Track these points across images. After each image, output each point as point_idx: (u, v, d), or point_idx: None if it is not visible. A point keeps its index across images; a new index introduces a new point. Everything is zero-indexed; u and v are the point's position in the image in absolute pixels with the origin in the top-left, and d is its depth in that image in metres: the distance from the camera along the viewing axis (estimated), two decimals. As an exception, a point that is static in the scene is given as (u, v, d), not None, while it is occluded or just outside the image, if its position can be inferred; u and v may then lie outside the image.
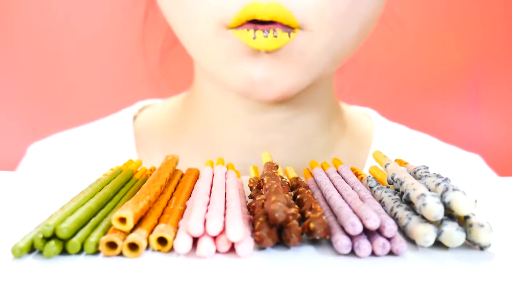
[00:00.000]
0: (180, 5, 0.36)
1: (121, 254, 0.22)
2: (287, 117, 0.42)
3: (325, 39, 0.35)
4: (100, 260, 0.21)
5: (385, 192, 0.27)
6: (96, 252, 0.22)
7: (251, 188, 0.30)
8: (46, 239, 0.21)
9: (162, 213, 0.25)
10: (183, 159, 0.39)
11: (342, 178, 0.30)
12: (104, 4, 0.63)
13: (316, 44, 0.35)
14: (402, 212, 0.24)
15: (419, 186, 0.24)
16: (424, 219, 0.23)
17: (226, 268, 0.21)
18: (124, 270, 0.20)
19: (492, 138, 0.65)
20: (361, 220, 0.22)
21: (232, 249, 0.22)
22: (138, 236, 0.22)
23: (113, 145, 0.48)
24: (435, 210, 0.22)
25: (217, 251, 0.22)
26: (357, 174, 0.32)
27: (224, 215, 0.23)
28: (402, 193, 0.26)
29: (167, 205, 0.27)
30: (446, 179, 0.24)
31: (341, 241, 0.22)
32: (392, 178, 0.28)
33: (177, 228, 0.23)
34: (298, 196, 0.27)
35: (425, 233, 0.22)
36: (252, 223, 0.24)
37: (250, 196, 0.29)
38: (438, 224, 0.23)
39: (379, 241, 0.22)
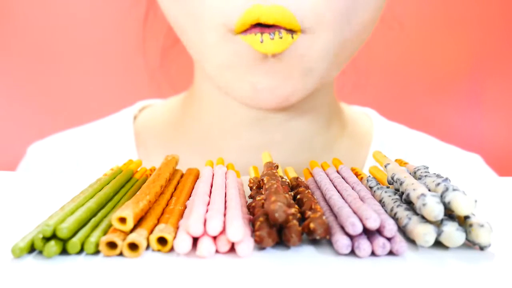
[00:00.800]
0: (184, 9, 0.36)
1: (121, 254, 0.22)
2: (287, 117, 0.42)
3: (325, 41, 0.35)
4: (100, 260, 0.21)
5: (385, 192, 0.27)
6: (96, 252, 0.22)
7: (251, 188, 0.30)
8: (46, 239, 0.21)
9: (162, 213, 0.25)
10: (183, 159, 0.39)
11: (342, 178, 0.30)
12: (104, 4, 0.63)
13: (316, 46, 0.35)
14: (402, 212, 0.24)
15: (419, 186, 0.24)
16: (424, 219, 0.23)
17: (226, 268, 0.21)
18: (124, 270, 0.20)
19: (492, 138, 0.65)
20: (361, 220, 0.22)
21: (232, 249, 0.22)
22: (138, 236, 0.22)
23: (113, 145, 0.48)
24: (435, 210, 0.22)
25: (217, 251, 0.22)
26: (357, 174, 0.32)
27: (224, 215, 0.23)
28: (402, 193, 0.26)
29: (167, 205, 0.27)
30: (446, 179, 0.24)
31: (341, 241, 0.22)
32: (392, 178, 0.28)
33: (177, 228, 0.23)
34: (298, 196, 0.27)
35: (425, 233, 0.22)
36: (252, 223, 0.24)
37: (250, 196, 0.29)
38: (438, 224, 0.23)
39: (379, 241, 0.22)
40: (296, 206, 0.25)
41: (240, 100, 0.38)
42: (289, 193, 0.27)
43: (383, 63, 0.64)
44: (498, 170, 0.52)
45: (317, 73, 0.37)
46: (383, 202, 0.26)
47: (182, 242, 0.21)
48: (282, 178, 0.29)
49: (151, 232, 0.23)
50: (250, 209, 0.26)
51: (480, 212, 0.27)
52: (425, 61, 0.65)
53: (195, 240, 0.22)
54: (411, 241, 0.23)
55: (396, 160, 0.32)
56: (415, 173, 0.28)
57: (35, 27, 0.62)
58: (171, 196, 0.29)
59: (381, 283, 0.20)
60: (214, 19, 0.35)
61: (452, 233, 0.22)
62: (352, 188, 0.28)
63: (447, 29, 0.64)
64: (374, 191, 0.28)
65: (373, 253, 0.22)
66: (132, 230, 0.23)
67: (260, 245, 0.22)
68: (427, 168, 0.28)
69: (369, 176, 0.30)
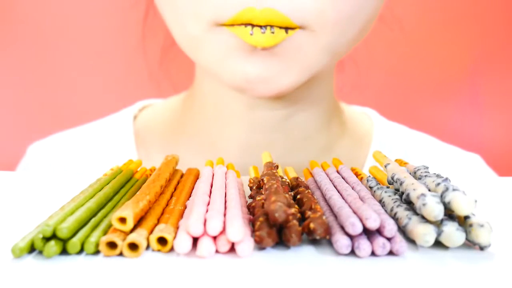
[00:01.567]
0: (172, 4, 0.36)
1: (121, 254, 0.22)
2: (286, 114, 0.42)
3: (327, 40, 0.35)
4: (100, 260, 0.21)
5: (385, 192, 0.27)
6: (96, 252, 0.22)
7: (251, 188, 0.30)
8: (46, 239, 0.21)
9: (162, 213, 0.25)
10: (183, 159, 0.39)
11: (342, 178, 0.30)
12: (104, 4, 0.63)
13: (316, 44, 0.35)
14: (402, 212, 0.24)
15: (419, 186, 0.24)
16: (424, 219, 0.23)
17: (226, 268, 0.21)
18: (124, 270, 0.20)
19: (492, 138, 0.65)
20: (361, 220, 0.22)
21: (232, 249, 0.22)
22: (138, 236, 0.22)
23: (113, 145, 0.48)
24: (435, 210, 0.22)
25: (217, 251, 0.22)
26: (357, 174, 0.32)
27: (224, 215, 0.23)
28: (402, 193, 0.26)
29: (167, 205, 0.27)
30: (446, 179, 0.24)
31: (341, 241, 0.22)
32: (392, 178, 0.28)
33: (177, 228, 0.23)
34: (298, 196, 0.27)
35: (425, 233, 0.22)
36: (252, 223, 0.24)
37: (250, 196, 0.29)
38: (438, 224, 0.23)
39: (379, 241, 0.22)
40: (296, 206, 0.25)
41: (233, 88, 0.38)
42: (289, 193, 0.27)
43: (383, 63, 0.64)
44: (498, 170, 0.52)
45: (315, 68, 0.37)
46: (383, 202, 0.26)
47: (182, 242, 0.21)
48: (282, 178, 0.29)
49: (151, 232, 0.23)
50: (250, 209, 0.26)
51: (480, 212, 0.27)
52: (425, 61, 0.65)
53: (195, 240, 0.22)
54: (411, 241, 0.23)
55: (396, 160, 0.32)
56: (415, 173, 0.28)
57: (35, 27, 0.62)
58: (171, 196, 0.29)
59: (381, 283, 0.20)
60: (201, 15, 0.34)
61: (452, 233, 0.22)
62: (352, 188, 0.28)
63: (447, 29, 0.64)
64: (374, 191, 0.28)
65: (373, 253, 0.22)
66: (132, 230, 0.23)
67: (260, 245, 0.22)
68: (427, 168, 0.28)
69: (369, 176, 0.30)
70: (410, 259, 0.22)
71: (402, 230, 0.24)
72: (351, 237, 0.22)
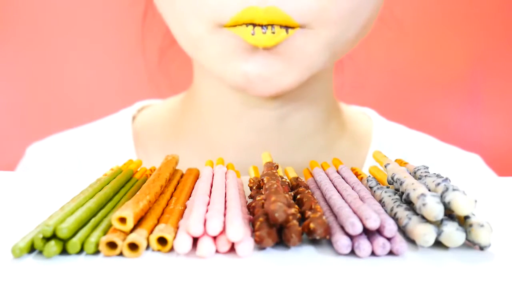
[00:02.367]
0: (172, 5, 0.36)
1: (121, 254, 0.22)
2: (285, 113, 0.42)
3: (328, 38, 0.35)
4: (100, 260, 0.21)
5: (385, 192, 0.27)
6: (96, 252, 0.22)
7: (251, 188, 0.30)
8: (46, 239, 0.21)
9: (162, 213, 0.25)
10: (183, 159, 0.39)
11: (342, 178, 0.30)
12: (103, 3, 0.63)
13: (317, 43, 0.35)
14: (402, 212, 0.24)
15: (419, 186, 0.24)
16: (424, 219, 0.23)
17: (226, 268, 0.21)
18: (124, 270, 0.20)
19: (492, 138, 0.65)
20: (361, 220, 0.22)
21: (232, 249, 0.22)
22: (138, 236, 0.22)
23: (111, 146, 0.48)
24: (435, 210, 0.22)
25: (217, 251, 0.22)
26: (357, 174, 0.32)
27: (224, 215, 0.23)
28: (402, 193, 0.26)
29: (167, 205, 0.27)
30: (446, 179, 0.24)
31: (341, 241, 0.22)
32: (392, 178, 0.28)
33: (177, 228, 0.23)
34: (298, 196, 0.27)
35: (425, 233, 0.22)
36: (252, 223, 0.24)
37: (250, 196, 0.29)
38: (438, 224, 0.23)
39: (379, 241, 0.22)
40: (296, 206, 0.25)
41: (235, 87, 0.38)
42: (289, 193, 0.27)
43: (382, 63, 0.64)
44: (498, 170, 0.52)
45: (316, 67, 0.37)
46: (383, 202, 0.26)
47: (182, 242, 0.21)
48: (282, 178, 0.29)
49: (151, 232, 0.23)
50: (250, 209, 0.26)
51: (480, 212, 0.27)
52: (424, 61, 0.65)
53: (195, 240, 0.22)
54: (411, 241, 0.23)
55: (396, 160, 0.32)
56: (415, 173, 0.28)
57: (34, 28, 0.62)
58: (171, 196, 0.29)
59: (381, 283, 0.20)
60: (204, 15, 0.35)
61: (452, 233, 0.22)
62: (352, 188, 0.28)
63: (446, 29, 0.64)
64: (374, 191, 0.28)
65: (373, 253, 0.22)
66: (132, 230, 0.23)
67: (260, 245, 0.22)
68: (427, 168, 0.28)
69: (369, 176, 0.30)
70: (410, 259, 0.22)
71: (402, 230, 0.24)
72: (351, 237, 0.22)
